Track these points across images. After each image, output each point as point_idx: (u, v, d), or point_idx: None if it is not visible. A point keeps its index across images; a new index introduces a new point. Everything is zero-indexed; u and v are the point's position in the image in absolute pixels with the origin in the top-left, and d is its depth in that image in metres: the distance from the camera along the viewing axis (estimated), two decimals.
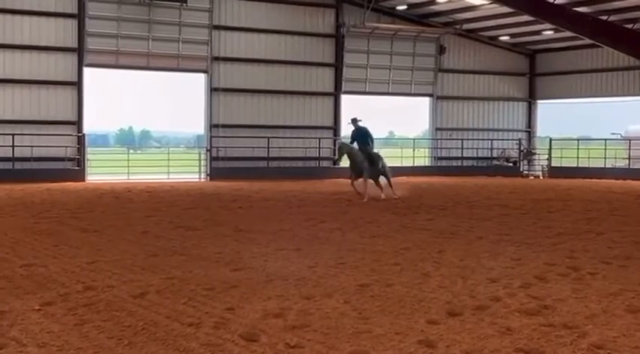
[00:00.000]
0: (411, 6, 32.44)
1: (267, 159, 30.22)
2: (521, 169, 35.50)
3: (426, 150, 35.78)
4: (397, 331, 5.92)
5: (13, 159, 26.29)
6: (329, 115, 32.43)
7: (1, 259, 9.34)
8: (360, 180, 19.77)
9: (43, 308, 6.60)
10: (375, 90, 33.46)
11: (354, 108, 32.97)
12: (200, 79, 30.44)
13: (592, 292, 7.47)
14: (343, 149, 21.00)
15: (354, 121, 20.83)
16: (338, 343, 5.58)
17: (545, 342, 5.64)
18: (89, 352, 5.32)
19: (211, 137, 29.88)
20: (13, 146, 26.08)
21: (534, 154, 36.70)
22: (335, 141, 32.38)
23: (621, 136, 34.53)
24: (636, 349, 5.50)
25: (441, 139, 35.21)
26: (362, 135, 20.50)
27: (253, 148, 29.91)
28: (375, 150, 20.76)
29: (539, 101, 37.36)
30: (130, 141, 51.80)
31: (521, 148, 35.77)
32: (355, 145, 20.62)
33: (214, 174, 29.23)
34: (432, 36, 34.11)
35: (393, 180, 20.28)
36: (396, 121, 38.13)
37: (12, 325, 6.00)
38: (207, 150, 30.03)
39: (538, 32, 33.46)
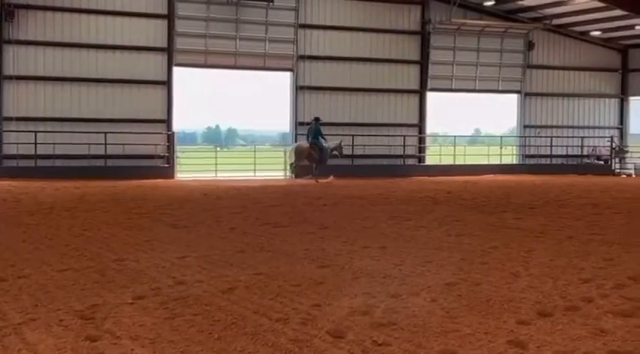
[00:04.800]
0: (498, 1, 31.96)
1: (352, 157, 30.23)
2: (612, 168, 34.55)
3: (514, 148, 35.20)
4: (486, 330, 5.83)
5: (105, 157, 27.06)
6: (414, 113, 32.22)
7: (94, 253, 9.60)
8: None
9: (136, 302, 6.74)
10: (461, 87, 33.11)
11: (440, 105, 32.80)
12: (286, 77, 30.70)
13: None
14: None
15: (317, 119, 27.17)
16: (425, 341, 5.54)
17: None
18: (180, 345, 5.42)
19: (297, 135, 30.09)
20: (105, 144, 26.84)
21: (627, 151, 35.63)
22: (420, 139, 32.22)
23: None
24: None
25: (529, 136, 34.56)
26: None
27: None
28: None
29: (631, 98, 36.26)
30: (217, 139, 52.45)
31: (613, 146, 34.78)
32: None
33: (299, 171, 29.41)
34: (521, 32, 33.52)
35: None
36: (482, 118, 37.56)
37: (106, 318, 6.15)
38: None
39: (630, 27, 32.50)
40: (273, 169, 30.53)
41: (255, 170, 29.93)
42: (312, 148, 26.58)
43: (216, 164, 29.83)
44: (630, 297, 7.00)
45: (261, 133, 52.01)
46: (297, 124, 30.21)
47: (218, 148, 37.03)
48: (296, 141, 29.92)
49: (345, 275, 8.13)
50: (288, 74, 30.57)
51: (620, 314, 6.33)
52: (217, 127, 60.01)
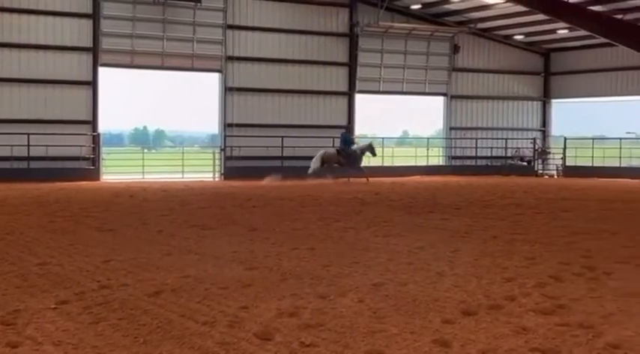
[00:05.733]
0: (425, 5, 32.41)
1: (282, 158, 30.21)
2: (535, 169, 35.41)
3: (440, 149, 35.71)
4: (412, 330, 5.90)
5: (28, 158, 26.43)
6: (343, 115, 32.42)
7: (16, 257, 9.38)
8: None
9: (59, 307, 6.62)
10: (389, 89, 33.45)
11: (368, 107, 33.09)
12: (214, 78, 30.51)
13: (607, 291, 7.42)
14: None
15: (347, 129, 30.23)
16: (352, 342, 5.58)
17: (560, 341, 5.60)
18: (104, 350, 5.33)
19: (225, 136, 29.94)
20: (28, 146, 26.21)
21: (549, 153, 36.54)
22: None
23: (636, 135, 34.34)
24: None
25: (455, 138, 35.13)
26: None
27: (267, 147, 29.92)
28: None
29: (553, 100, 37.28)
30: (145, 140, 51.86)
31: (536, 148, 35.64)
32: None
33: (228, 173, 29.31)
34: (446, 35, 34.07)
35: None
36: (410, 120, 38.06)
37: (27, 324, 6.01)
38: (221, 149, 30.11)
39: (553, 31, 33.35)
40: (202, 171, 30.29)
41: (183, 172, 29.65)
42: (340, 155, 28.42)
43: (143, 166, 29.46)
44: (551, 295, 7.18)
45: (190, 134, 51.66)
46: (226, 125, 30.03)
47: (145, 150, 36.60)
48: (225, 142, 29.78)
49: (274, 277, 8.13)
50: (216, 75, 30.37)
51: (541, 312, 6.49)
52: (145, 128, 59.28)
